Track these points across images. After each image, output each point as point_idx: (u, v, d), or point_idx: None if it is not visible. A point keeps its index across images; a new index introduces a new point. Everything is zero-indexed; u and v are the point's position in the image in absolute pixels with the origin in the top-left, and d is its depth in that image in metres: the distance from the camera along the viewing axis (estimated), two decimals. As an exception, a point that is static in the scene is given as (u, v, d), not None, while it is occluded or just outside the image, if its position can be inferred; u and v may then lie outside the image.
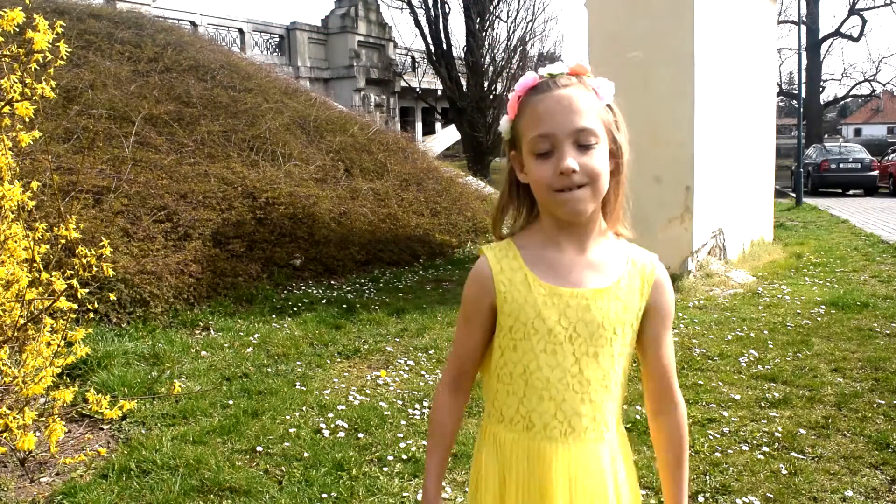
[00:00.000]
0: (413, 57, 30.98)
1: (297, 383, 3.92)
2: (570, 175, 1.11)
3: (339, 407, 3.56)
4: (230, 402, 3.60)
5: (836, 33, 37.03)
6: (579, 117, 1.12)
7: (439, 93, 28.94)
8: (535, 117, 1.14)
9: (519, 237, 1.25)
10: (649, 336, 1.25)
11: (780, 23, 29.71)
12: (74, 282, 2.42)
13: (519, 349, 1.21)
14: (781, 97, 38.19)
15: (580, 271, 1.20)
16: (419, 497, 2.68)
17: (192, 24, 20.41)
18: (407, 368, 4.23)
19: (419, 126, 31.21)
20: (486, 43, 26.80)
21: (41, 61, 2.24)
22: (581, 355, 1.19)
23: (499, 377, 1.27)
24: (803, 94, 23.94)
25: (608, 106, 1.18)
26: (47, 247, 2.67)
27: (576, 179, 1.11)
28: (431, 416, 1.40)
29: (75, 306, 2.62)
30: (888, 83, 48.50)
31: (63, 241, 2.53)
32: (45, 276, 2.52)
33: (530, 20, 27.76)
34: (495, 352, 1.25)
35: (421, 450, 3.07)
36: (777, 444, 3.12)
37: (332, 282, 6.51)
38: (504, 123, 1.23)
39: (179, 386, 3.23)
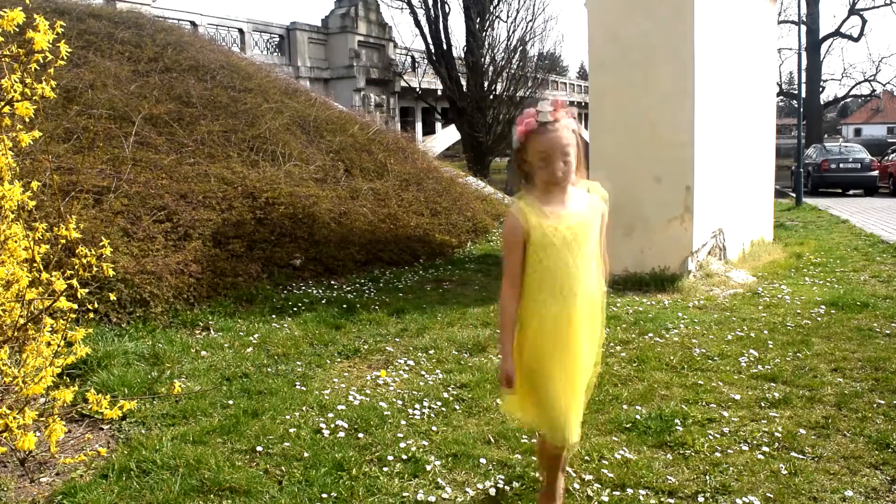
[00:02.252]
0: (413, 57, 30.98)
1: (297, 383, 3.92)
2: (557, 176, 2.20)
3: (339, 407, 3.56)
4: (230, 402, 3.60)
5: (836, 33, 37.05)
6: (564, 146, 2.18)
7: (439, 93, 28.95)
8: (539, 145, 2.18)
9: (528, 196, 2.26)
10: (600, 229, 2.32)
11: (780, 23, 29.72)
12: (74, 282, 2.43)
13: (542, 255, 2.22)
14: (781, 97, 38.20)
15: (565, 209, 2.24)
16: (419, 496, 2.69)
17: (192, 24, 20.42)
18: (407, 368, 4.23)
19: (419, 126, 31.21)
20: (486, 43, 26.83)
21: (41, 61, 2.24)
22: (573, 254, 2.23)
23: (533, 272, 2.25)
24: (803, 94, 23.95)
25: (573, 130, 2.19)
26: (47, 247, 2.66)
27: (560, 176, 2.20)
28: (502, 307, 2.31)
29: (75, 306, 2.62)
30: (888, 83, 48.62)
31: (63, 241, 2.53)
32: (45, 276, 2.52)
33: (530, 20, 27.80)
34: (530, 257, 2.24)
35: (421, 450, 3.07)
36: (777, 444, 3.12)
37: (332, 282, 6.51)
38: (515, 142, 2.24)
39: (179, 386, 3.22)
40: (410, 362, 4.33)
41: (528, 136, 2.18)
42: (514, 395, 2.33)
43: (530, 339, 2.28)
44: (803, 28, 21.58)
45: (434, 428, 3.32)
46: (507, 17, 28.77)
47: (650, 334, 4.91)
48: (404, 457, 3.00)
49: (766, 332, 4.95)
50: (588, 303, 2.30)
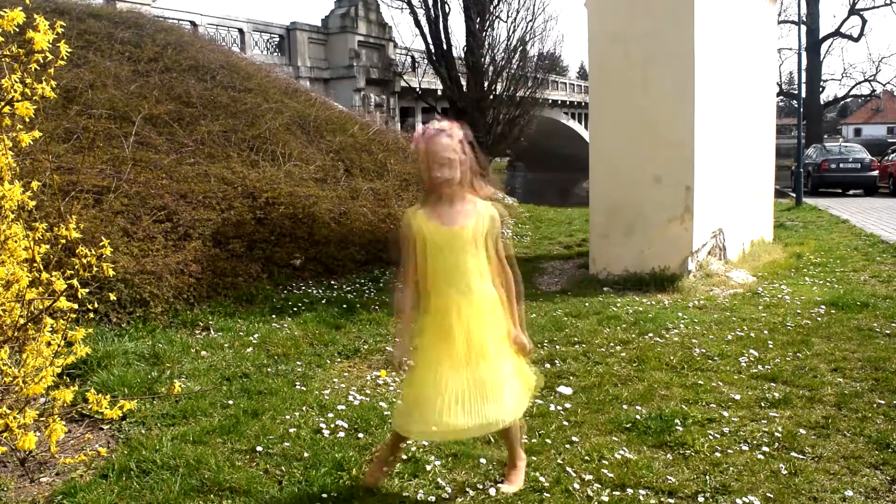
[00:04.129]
0: (413, 57, 30.95)
1: (297, 383, 3.92)
2: (436, 178, 2.48)
3: (339, 407, 3.56)
4: (230, 402, 3.60)
5: (836, 33, 37.05)
6: (443, 155, 2.46)
7: (439, 93, 28.92)
8: (431, 152, 2.46)
9: (421, 204, 2.57)
10: (490, 242, 2.57)
11: (780, 23, 29.72)
12: (74, 282, 2.42)
13: (429, 258, 2.53)
14: (781, 97, 38.20)
15: (452, 216, 2.51)
16: (419, 496, 2.69)
17: (192, 24, 20.40)
18: (407, 368, 4.22)
19: (419, 126, 31.14)
20: (486, 43, 26.77)
21: (41, 61, 2.24)
22: (456, 254, 2.50)
23: (425, 271, 2.55)
24: (803, 94, 23.95)
25: (460, 140, 2.48)
26: (47, 247, 2.66)
27: (440, 180, 2.48)
28: (398, 302, 2.67)
29: (75, 306, 2.62)
30: (888, 83, 48.61)
31: (63, 241, 2.52)
32: (45, 276, 2.51)
33: (530, 20, 27.66)
34: (419, 256, 2.54)
35: (421, 450, 3.07)
36: (777, 444, 3.12)
37: (332, 282, 6.51)
38: (416, 151, 2.53)
39: (179, 386, 3.22)
40: (410, 362, 4.32)
41: (418, 146, 2.51)
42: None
43: (421, 328, 2.60)
44: (803, 28, 21.59)
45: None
46: (507, 17, 28.63)
47: (650, 334, 4.91)
48: (404, 457, 3.00)
49: (766, 332, 4.95)
50: (477, 300, 2.53)
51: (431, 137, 2.47)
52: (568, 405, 3.60)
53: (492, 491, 2.73)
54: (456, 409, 2.43)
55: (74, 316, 2.80)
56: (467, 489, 2.76)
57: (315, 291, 6.12)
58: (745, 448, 3.09)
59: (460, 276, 2.51)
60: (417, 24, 26.88)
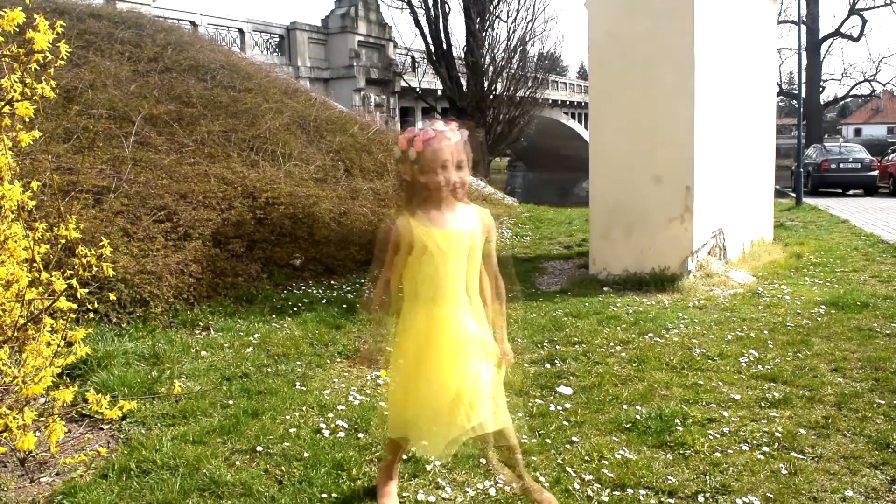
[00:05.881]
0: (413, 57, 30.95)
1: (297, 383, 3.92)
2: (441, 183, 2.33)
3: (339, 407, 3.56)
4: (230, 402, 3.60)
5: (836, 33, 37.07)
6: (444, 158, 2.31)
7: (439, 93, 28.93)
8: (434, 154, 2.31)
9: (413, 209, 2.40)
10: (485, 252, 2.47)
11: (780, 23, 29.72)
12: (74, 282, 2.42)
13: (417, 263, 2.40)
14: (781, 97, 38.20)
15: (445, 221, 2.38)
16: (419, 497, 2.69)
17: (192, 24, 20.40)
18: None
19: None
20: (486, 43, 26.80)
21: (41, 61, 2.24)
22: (448, 263, 2.38)
23: (411, 277, 2.45)
24: (803, 94, 23.95)
25: (460, 142, 2.35)
26: (47, 247, 2.66)
27: (441, 185, 2.34)
28: (372, 299, 2.68)
29: (75, 306, 2.62)
30: (888, 83, 48.58)
31: (63, 241, 2.52)
32: (45, 276, 2.51)
33: (530, 20, 27.70)
34: (411, 264, 2.42)
35: (421, 450, 3.06)
36: (777, 444, 3.12)
37: (332, 282, 6.51)
38: (412, 153, 2.33)
39: (179, 386, 3.22)
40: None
41: (420, 146, 2.33)
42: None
43: (403, 336, 2.56)
44: (803, 28, 21.59)
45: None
46: (507, 17, 28.66)
47: (650, 334, 4.91)
48: (404, 457, 3.00)
49: (766, 332, 4.95)
50: (463, 309, 2.42)
51: (432, 139, 2.34)
52: (568, 405, 3.60)
53: (492, 491, 2.73)
54: (442, 417, 2.38)
55: (74, 316, 2.80)
56: (467, 489, 2.76)
57: (315, 291, 6.12)
58: (745, 448, 3.09)
59: (449, 283, 2.40)
60: (417, 24, 26.91)
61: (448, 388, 2.36)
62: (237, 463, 2.94)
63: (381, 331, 2.68)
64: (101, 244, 2.46)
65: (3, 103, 2.23)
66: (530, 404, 3.63)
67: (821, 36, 35.58)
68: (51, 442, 2.51)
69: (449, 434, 2.39)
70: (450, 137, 2.35)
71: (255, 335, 4.80)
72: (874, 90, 43.40)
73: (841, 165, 20.04)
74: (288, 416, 3.42)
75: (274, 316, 5.32)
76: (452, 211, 2.41)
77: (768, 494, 2.68)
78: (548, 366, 4.27)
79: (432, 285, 2.40)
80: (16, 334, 2.49)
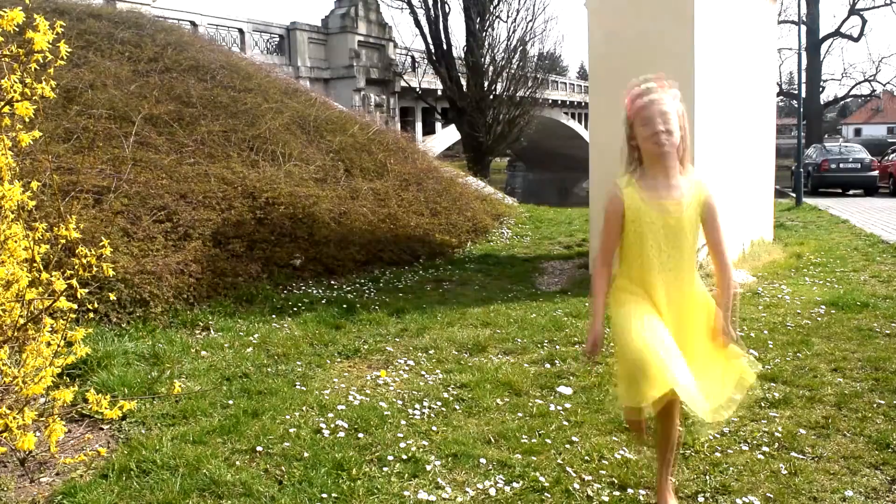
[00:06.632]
0: (413, 57, 30.96)
1: (297, 383, 3.92)
2: (660, 138, 2.21)
3: (339, 407, 3.56)
4: (230, 402, 3.60)
5: (836, 33, 37.06)
6: (664, 111, 2.20)
7: (439, 93, 28.94)
8: (641, 110, 2.22)
9: (631, 177, 2.32)
10: (707, 224, 2.32)
11: (780, 23, 29.70)
12: (74, 282, 2.42)
13: (637, 235, 2.28)
14: (781, 97, 38.20)
15: (669, 191, 2.27)
16: (419, 496, 2.69)
17: (192, 24, 20.41)
18: (407, 368, 4.23)
19: (419, 126, 31.20)
20: (486, 43, 26.81)
21: (41, 61, 2.24)
22: (668, 236, 2.26)
23: (629, 250, 2.32)
24: (803, 94, 23.94)
25: (678, 101, 2.24)
26: (47, 247, 2.66)
27: (662, 140, 2.21)
28: (593, 283, 2.39)
29: (75, 306, 2.62)
30: (888, 83, 48.60)
31: (63, 241, 2.53)
32: (45, 276, 2.52)
33: (530, 20, 27.71)
34: (627, 237, 2.30)
35: (421, 450, 3.07)
36: (777, 444, 3.12)
37: (332, 282, 6.51)
38: (623, 116, 2.28)
39: (179, 386, 3.23)
40: (410, 362, 4.33)
41: (633, 102, 2.23)
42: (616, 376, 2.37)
43: (619, 298, 2.36)
44: (803, 28, 21.58)
45: (434, 428, 3.32)
46: (507, 17, 28.68)
47: (650, 334, 4.90)
48: (404, 457, 3.00)
49: (766, 332, 4.95)
50: (687, 287, 2.30)
51: (652, 94, 2.20)
52: (568, 405, 3.60)
53: (492, 491, 2.73)
54: (680, 365, 2.17)
55: (74, 316, 2.80)
56: (467, 489, 2.76)
57: (315, 291, 6.12)
58: (745, 448, 3.09)
59: (672, 259, 2.25)
60: (417, 24, 26.91)
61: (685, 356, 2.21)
62: (237, 463, 2.94)
63: (599, 318, 2.40)
64: (101, 244, 2.46)
65: (3, 103, 2.23)
66: (530, 404, 3.63)
67: (821, 36, 35.58)
68: (51, 442, 2.51)
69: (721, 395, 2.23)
70: (674, 96, 2.25)
71: (255, 335, 4.80)
72: (874, 90, 43.38)
73: (841, 165, 20.03)
74: (288, 416, 3.42)
75: (274, 316, 5.32)
76: (676, 180, 2.27)
77: (768, 494, 2.68)
78: (548, 366, 4.27)
79: (654, 259, 2.27)
80: (16, 334, 2.49)
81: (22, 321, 2.50)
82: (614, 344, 2.41)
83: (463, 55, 27.00)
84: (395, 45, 30.39)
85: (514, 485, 2.78)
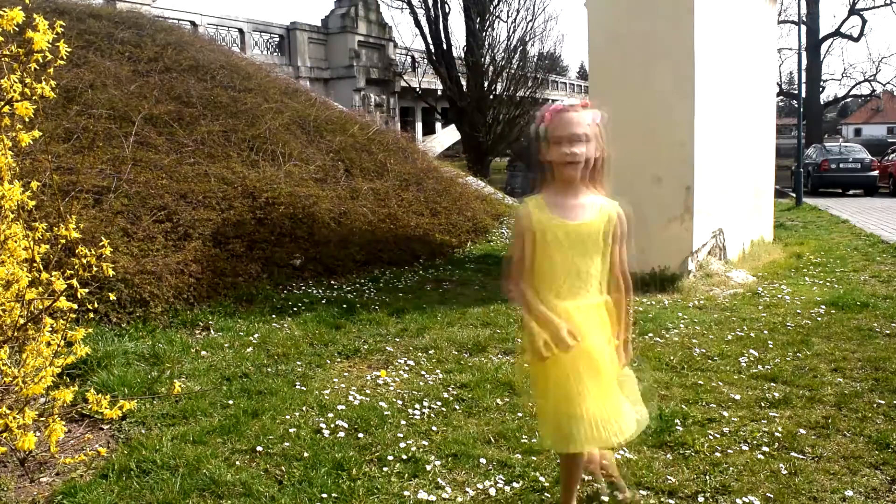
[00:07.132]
0: (413, 57, 30.98)
1: (297, 383, 3.92)
2: (565, 156, 2.20)
3: (339, 407, 3.56)
4: (230, 402, 3.60)
5: (836, 33, 37.04)
6: (576, 130, 2.22)
7: (439, 93, 28.95)
8: (554, 128, 2.21)
9: (541, 194, 2.29)
10: (613, 244, 2.30)
11: (780, 23, 29.72)
12: (74, 282, 2.42)
13: (542, 255, 2.26)
14: (781, 97, 38.18)
15: (575, 210, 2.26)
16: (419, 496, 2.69)
17: (192, 24, 20.41)
18: (407, 368, 4.23)
19: (419, 126, 31.22)
20: (486, 43, 26.84)
21: (41, 61, 2.24)
22: (577, 254, 2.25)
23: (538, 269, 2.28)
24: (803, 94, 23.95)
25: (594, 119, 2.28)
26: (47, 247, 2.66)
27: (568, 157, 2.20)
28: (516, 298, 2.32)
29: (75, 306, 2.62)
30: (888, 83, 48.52)
31: (63, 241, 2.53)
32: (45, 276, 2.51)
33: (530, 20, 27.75)
34: (536, 255, 2.27)
35: (421, 450, 3.07)
36: (777, 444, 3.12)
37: (332, 282, 6.51)
38: (534, 128, 2.26)
39: (179, 386, 3.22)
40: (410, 362, 4.33)
41: (546, 120, 2.22)
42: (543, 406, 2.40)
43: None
44: (803, 28, 21.59)
45: (434, 428, 3.32)
46: (507, 17, 28.77)
47: (650, 334, 4.90)
48: (404, 457, 3.00)
49: (766, 332, 4.95)
50: (589, 306, 2.28)
51: (562, 110, 2.22)
52: (568, 405, 3.60)
53: (492, 491, 2.73)
54: (599, 422, 2.22)
55: (74, 316, 2.80)
56: (467, 489, 2.76)
57: (315, 291, 6.12)
58: (745, 448, 3.09)
59: (576, 279, 2.25)
60: (417, 24, 26.93)
61: (596, 394, 2.24)
62: (237, 463, 2.94)
63: (551, 319, 2.28)
64: (101, 244, 2.46)
65: (3, 103, 2.23)
66: (530, 404, 3.62)
67: (821, 36, 35.56)
68: (51, 442, 2.51)
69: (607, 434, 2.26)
70: (582, 111, 2.24)
71: (255, 335, 4.80)
72: (874, 90, 43.34)
73: (841, 165, 20.04)
74: (288, 416, 3.42)
75: (274, 316, 5.32)
76: (584, 198, 2.26)
77: (768, 494, 2.68)
78: (548, 366, 4.26)
79: (559, 279, 2.26)
80: (16, 334, 2.49)
81: (22, 321, 2.50)
82: (533, 393, 2.50)
83: (463, 55, 27.03)
84: (395, 45, 30.39)
85: (514, 485, 2.78)
